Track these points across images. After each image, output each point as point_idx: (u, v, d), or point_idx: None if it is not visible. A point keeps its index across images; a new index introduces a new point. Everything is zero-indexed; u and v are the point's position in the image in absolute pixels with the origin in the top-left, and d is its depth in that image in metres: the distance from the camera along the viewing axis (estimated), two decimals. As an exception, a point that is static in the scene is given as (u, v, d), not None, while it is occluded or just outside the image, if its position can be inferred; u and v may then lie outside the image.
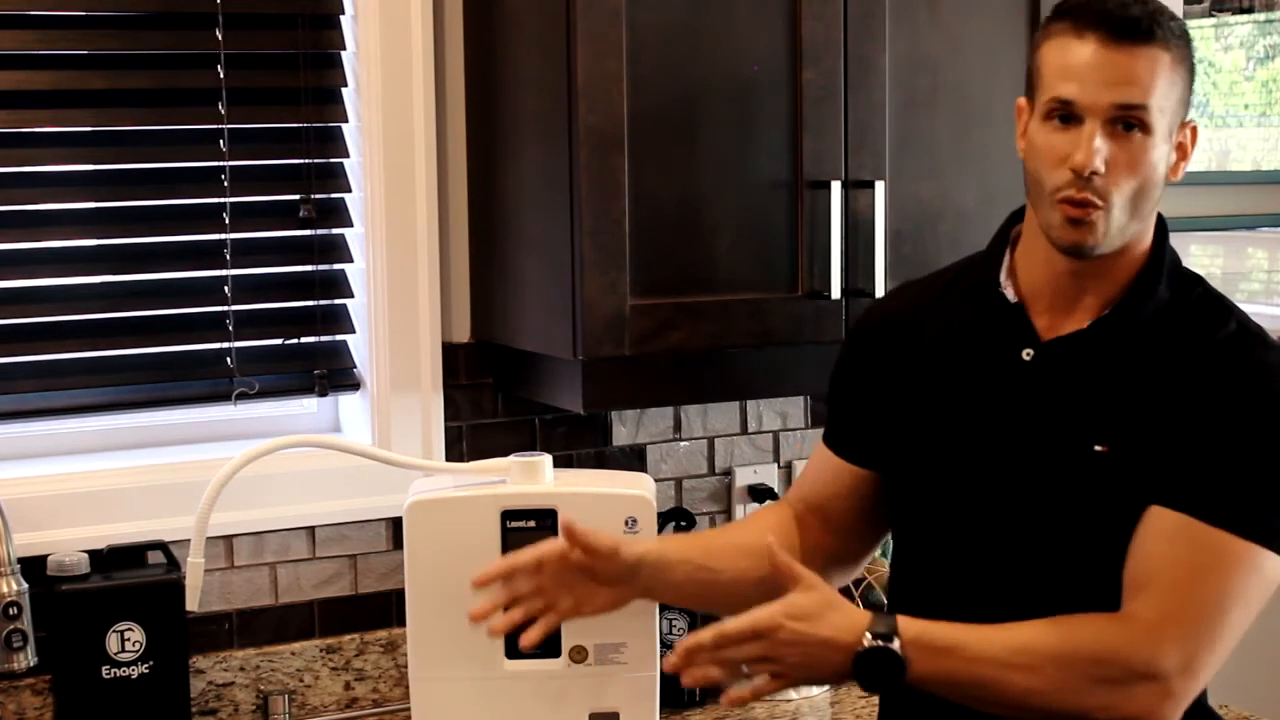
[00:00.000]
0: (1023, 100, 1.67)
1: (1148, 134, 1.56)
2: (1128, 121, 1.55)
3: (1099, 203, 1.56)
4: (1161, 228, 1.68)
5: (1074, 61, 1.56)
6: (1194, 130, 1.64)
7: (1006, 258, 1.71)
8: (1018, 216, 1.72)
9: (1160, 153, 1.58)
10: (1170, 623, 1.53)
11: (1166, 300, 1.65)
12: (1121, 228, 1.59)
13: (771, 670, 1.56)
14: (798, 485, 1.92)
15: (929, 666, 1.54)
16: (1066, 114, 1.57)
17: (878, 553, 2.43)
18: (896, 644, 1.52)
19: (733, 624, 1.54)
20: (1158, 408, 1.59)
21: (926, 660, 1.53)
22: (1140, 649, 1.53)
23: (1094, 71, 1.55)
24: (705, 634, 1.54)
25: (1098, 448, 1.59)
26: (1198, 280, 1.69)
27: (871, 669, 1.53)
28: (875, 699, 2.22)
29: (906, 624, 1.54)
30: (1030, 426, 1.64)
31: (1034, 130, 1.61)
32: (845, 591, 2.47)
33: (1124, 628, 1.54)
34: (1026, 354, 1.65)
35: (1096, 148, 1.54)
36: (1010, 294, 1.68)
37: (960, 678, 1.55)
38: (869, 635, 1.52)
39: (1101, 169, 1.55)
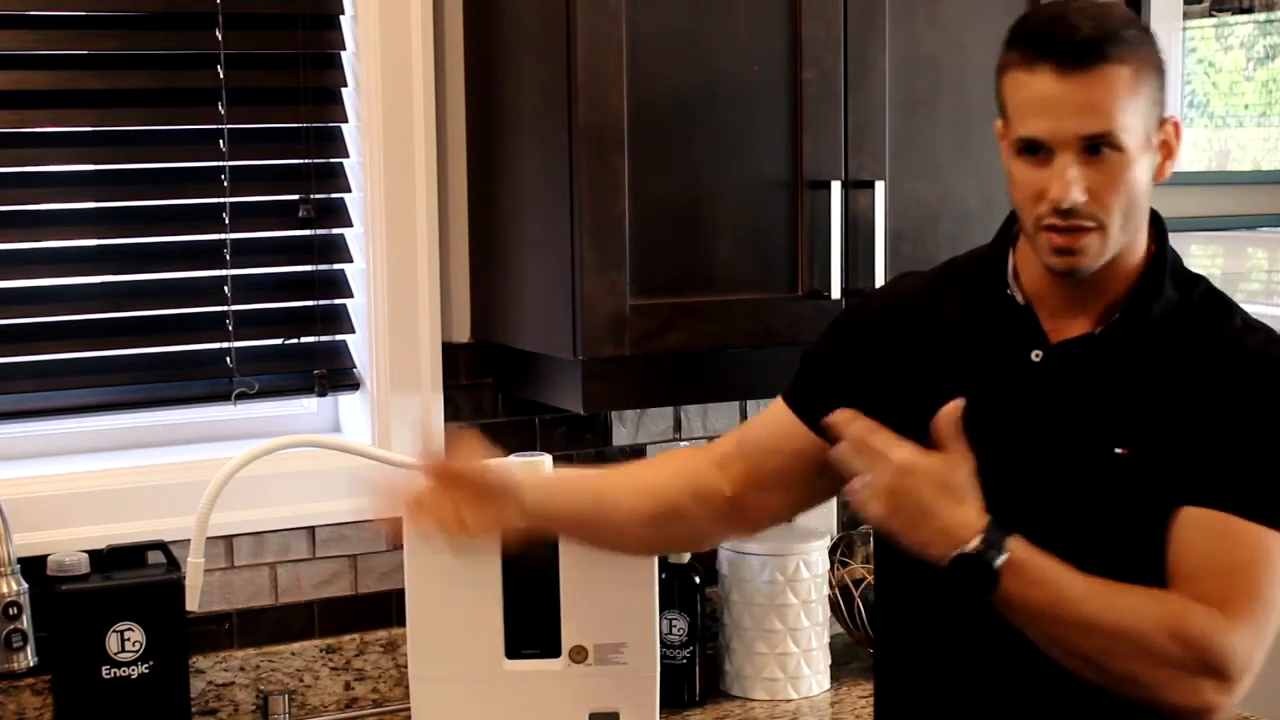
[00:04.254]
0: (999, 123, 1.66)
1: (1122, 152, 1.55)
2: (1097, 145, 1.54)
3: (1090, 225, 1.55)
4: (1160, 228, 1.67)
5: (1032, 98, 1.55)
6: (1176, 125, 1.62)
7: (1010, 257, 1.70)
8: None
9: (1141, 166, 1.57)
10: (1238, 618, 1.52)
11: (1174, 301, 1.65)
12: (1115, 244, 1.59)
13: (874, 499, 1.54)
14: (736, 431, 1.89)
15: (1019, 592, 1.51)
16: (1036, 149, 1.56)
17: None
18: (999, 560, 1.50)
19: (881, 434, 1.54)
20: (1177, 409, 1.59)
21: (1019, 585, 1.51)
22: (1219, 641, 1.51)
23: (1053, 105, 1.54)
24: (860, 422, 1.55)
25: (1118, 450, 1.59)
26: (1199, 279, 1.69)
27: (963, 573, 1.51)
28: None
29: (1018, 546, 1.51)
30: (1042, 428, 1.63)
31: (1010, 164, 1.61)
32: (844, 592, 2.47)
33: (1207, 616, 1.52)
34: (1035, 355, 1.65)
35: (1071, 180, 1.53)
36: (1019, 296, 1.67)
37: (1044, 613, 1.53)
38: (979, 538, 1.50)
39: (1081, 198, 1.54)
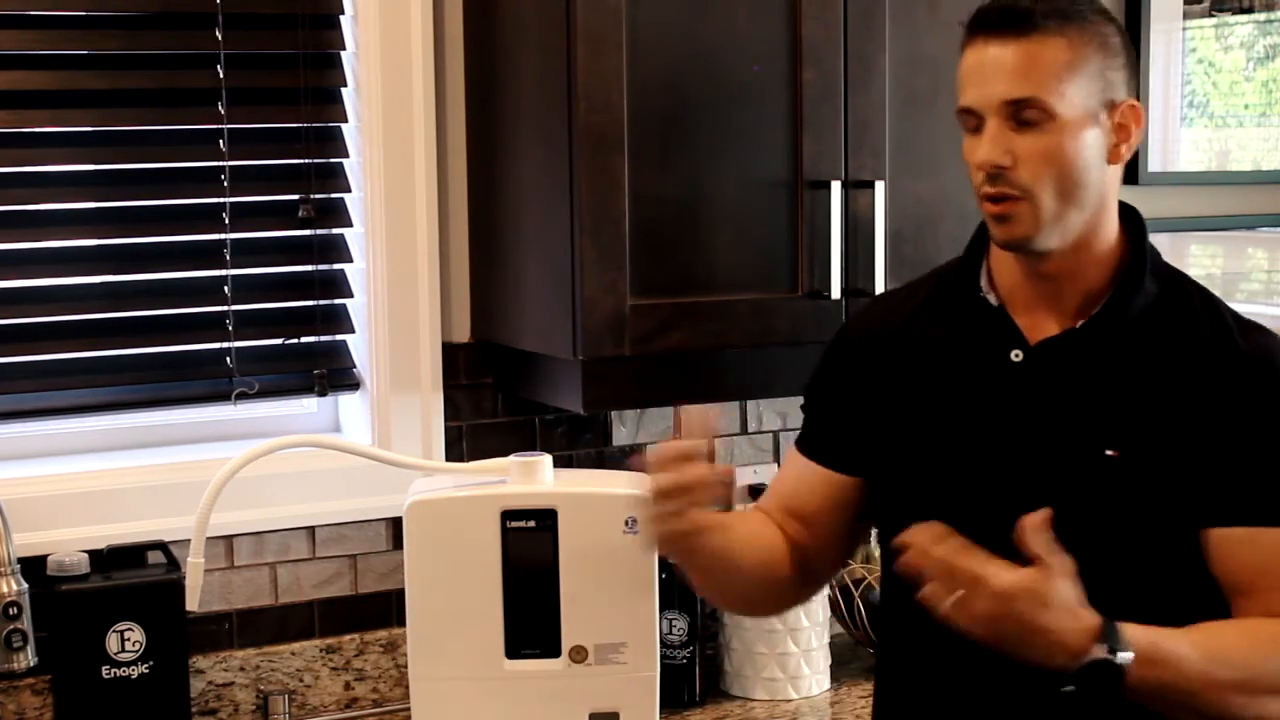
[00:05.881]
0: None
1: (1053, 120, 1.54)
2: (1025, 115, 1.54)
3: (1015, 193, 1.55)
4: (1136, 221, 1.67)
5: (967, 68, 1.57)
6: (1134, 108, 1.59)
7: (984, 262, 1.70)
8: None
9: (1083, 139, 1.55)
10: None
11: (1155, 295, 1.64)
12: (1057, 217, 1.57)
13: (971, 622, 1.50)
14: (774, 495, 1.86)
15: (1145, 678, 1.51)
16: (973, 120, 1.58)
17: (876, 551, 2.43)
18: (1122, 657, 1.49)
19: (967, 562, 1.49)
20: (1170, 411, 1.58)
21: (1145, 672, 1.50)
22: None
23: (981, 71, 1.56)
24: (944, 545, 1.50)
25: (1109, 452, 1.58)
26: (1179, 274, 1.69)
27: (1092, 679, 1.50)
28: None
29: (1136, 636, 1.50)
30: (1029, 431, 1.63)
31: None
32: (844, 592, 2.47)
33: None
34: (1015, 355, 1.64)
35: (993, 141, 1.54)
36: (992, 297, 1.67)
37: (1171, 691, 1.53)
38: (1101, 643, 1.49)
39: (1006, 162, 1.54)
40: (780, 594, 1.85)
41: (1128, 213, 1.67)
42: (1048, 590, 1.49)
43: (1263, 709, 1.55)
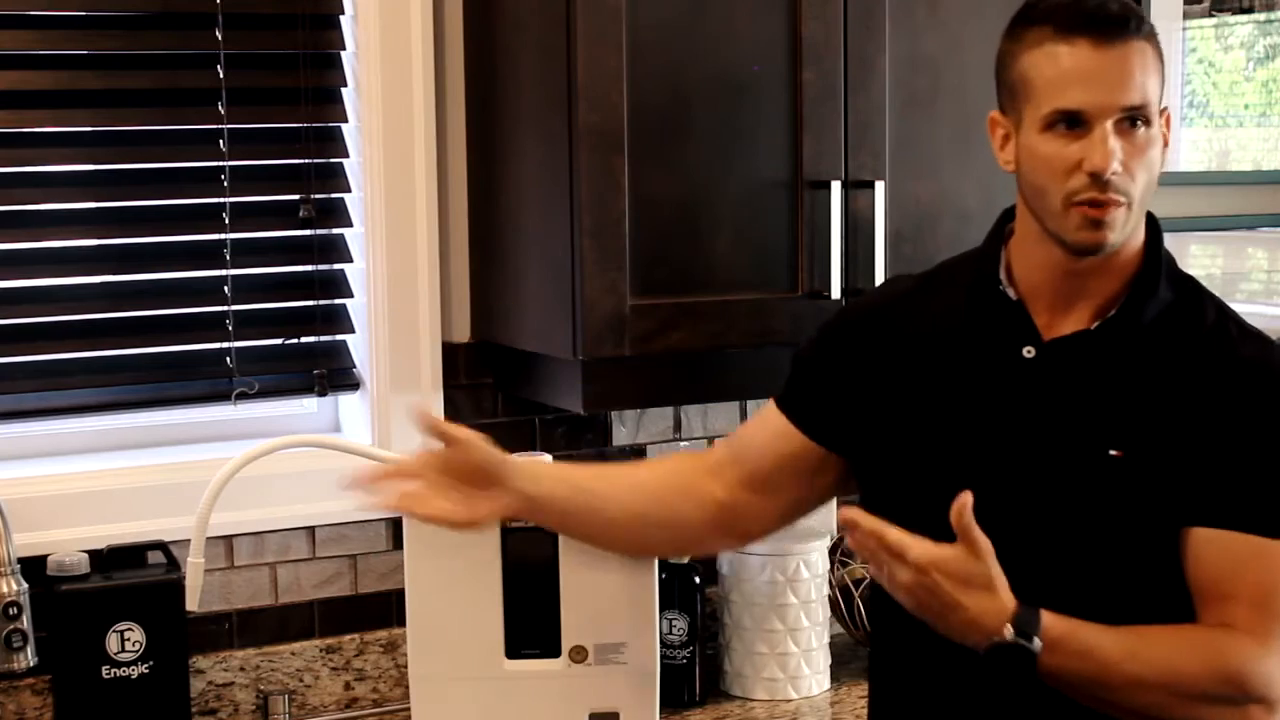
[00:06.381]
0: (997, 114, 1.66)
1: (1150, 127, 1.57)
2: (1134, 119, 1.56)
3: (1121, 199, 1.56)
4: (1154, 226, 1.68)
5: (1071, 68, 1.55)
6: (1168, 117, 1.63)
7: (1002, 255, 1.70)
8: (1010, 214, 1.72)
9: (1159, 143, 1.59)
10: (1272, 643, 1.56)
11: (1169, 301, 1.65)
12: (1136, 222, 1.60)
13: (898, 593, 1.55)
14: (729, 441, 1.89)
15: (1060, 667, 1.53)
16: (1072, 121, 1.56)
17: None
18: (1035, 644, 1.51)
19: (893, 534, 1.52)
20: (1173, 414, 1.59)
21: (1060, 661, 1.53)
22: (1259, 671, 1.54)
23: (1096, 76, 1.54)
24: (868, 520, 1.53)
25: (1112, 452, 1.59)
26: (1191, 280, 1.70)
27: (1002, 661, 1.52)
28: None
29: (1051, 623, 1.53)
30: (1035, 427, 1.63)
31: (1033, 142, 1.59)
32: (844, 592, 2.48)
33: (1243, 647, 1.55)
34: (1028, 351, 1.65)
35: (1112, 149, 1.54)
36: (1011, 292, 1.67)
37: (1089, 681, 1.55)
38: (1011, 626, 1.52)
39: (1120, 169, 1.55)
40: (684, 540, 1.93)
41: (1146, 218, 1.68)
42: (967, 568, 1.52)
43: (1188, 713, 1.55)
